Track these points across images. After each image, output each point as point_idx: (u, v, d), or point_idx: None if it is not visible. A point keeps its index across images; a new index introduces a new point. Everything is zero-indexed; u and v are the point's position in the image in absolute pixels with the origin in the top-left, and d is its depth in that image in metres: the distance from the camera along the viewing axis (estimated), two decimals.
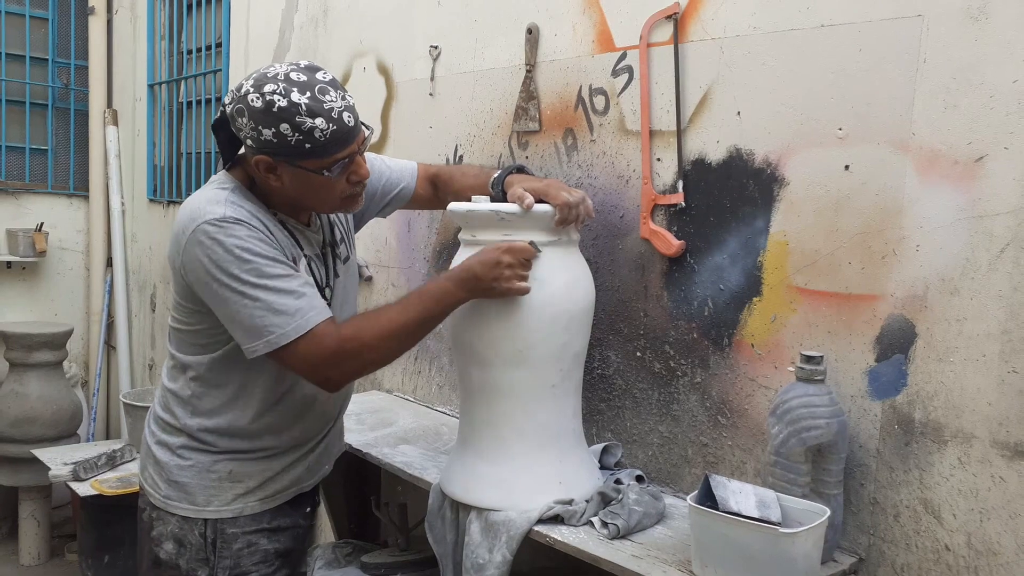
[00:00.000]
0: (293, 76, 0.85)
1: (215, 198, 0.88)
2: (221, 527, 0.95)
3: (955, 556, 0.85)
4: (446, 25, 1.43)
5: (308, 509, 1.07)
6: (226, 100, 0.89)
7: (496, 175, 1.05)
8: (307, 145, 0.85)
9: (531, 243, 0.94)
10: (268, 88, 0.84)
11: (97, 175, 2.76)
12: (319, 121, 0.84)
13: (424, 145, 1.48)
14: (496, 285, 0.92)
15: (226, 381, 0.94)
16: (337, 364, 0.89)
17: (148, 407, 1.08)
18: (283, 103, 0.83)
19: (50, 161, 2.75)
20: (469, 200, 1.00)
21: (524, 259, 0.94)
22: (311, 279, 0.93)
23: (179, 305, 0.94)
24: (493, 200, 1.00)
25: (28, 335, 2.43)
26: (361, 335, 0.89)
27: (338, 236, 1.03)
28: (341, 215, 1.05)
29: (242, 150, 0.93)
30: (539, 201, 0.96)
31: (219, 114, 0.91)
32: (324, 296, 0.97)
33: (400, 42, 1.53)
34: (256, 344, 0.87)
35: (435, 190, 1.13)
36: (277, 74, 0.85)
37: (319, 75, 0.87)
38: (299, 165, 0.87)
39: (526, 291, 0.94)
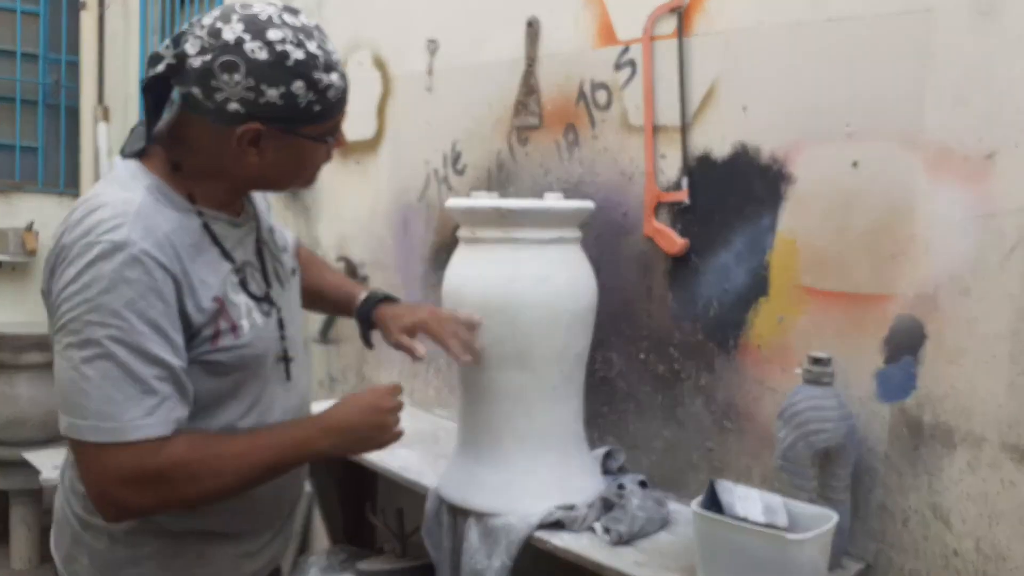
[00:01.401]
0: (290, 20, 0.68)
1: (122, 207, 0.66)
2: None
3: (964, 562, 0.83)
4: (444, 18, 1.41)
5: None
6: (189, 49, 0.66)
7: (364, 297, 0.94)
8: (317, 107, 0.68)
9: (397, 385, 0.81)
10: (274, 35, 0.65)
11: (88, 173, 2.73)
12: (334, 76, 0.69)
13: (421, 141, 1.46)
14: (374, 435, 0.77)
15: None
16: (145, 490, 0.66)
17: None
18: (299, 55, 0.66)
19: (40, 159, 2.71)
20: (319, 294, 0.94)
21: (399, 402, 0.80)
22: (182, 366, 0.67)
23: None
24: (362, 324, 0.94)
25: (18, 336, 2.39)
26: (191, 465, 0.67)
27: (280, 243, 0.83)
28: (276, 223, 0.86)
29: (161, 124, 0.71)
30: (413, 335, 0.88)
31: (162, 68, 0.67)
32: (271, 301, 0.77)
33: (397, 35, 1.51)
34: (63, 418, 0.65)
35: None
36: (272, 16, 0.67)
37: (304, 19, 0.70)
38: (299, 132, 0.70)
39: (400, 435, 0.80)
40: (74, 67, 2.71)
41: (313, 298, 0.96)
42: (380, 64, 1.56)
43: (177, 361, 0.67)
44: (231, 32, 0.66)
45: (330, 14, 1.69)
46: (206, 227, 0.72)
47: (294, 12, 0.70)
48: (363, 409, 0.78)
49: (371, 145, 1.59)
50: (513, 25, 1.27)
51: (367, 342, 0.98)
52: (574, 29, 1.19)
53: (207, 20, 0.67)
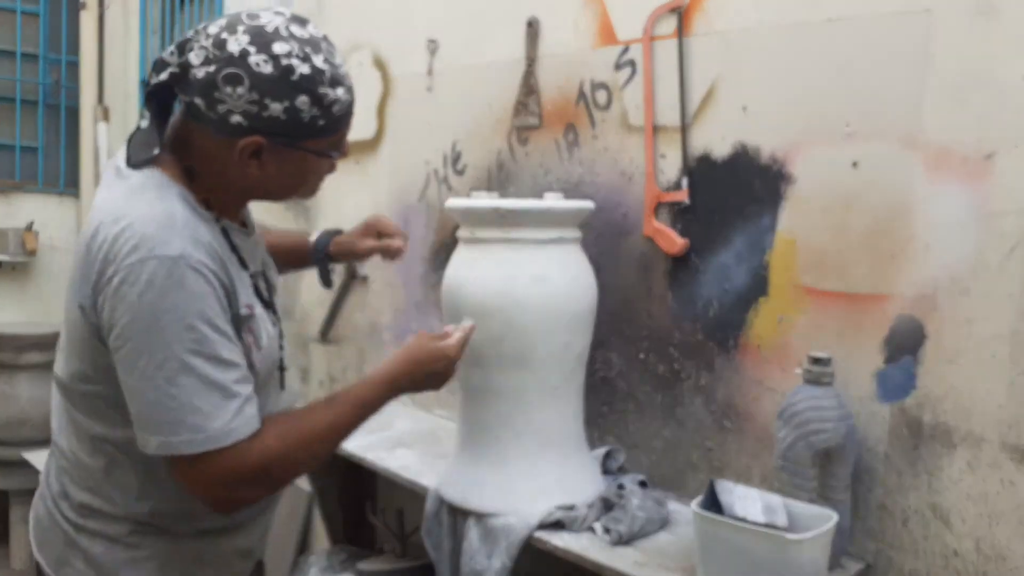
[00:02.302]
0: (297, 31, 0.67)
1: (165, 220, 0.65)
2: None
3: (964, 562, 0.83)
4: (444, 18, 1.41)
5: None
6: (193, 59, 0.66)
7: (317, 236, 0.96)
8: (321, 122, 0.68)
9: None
10: (280, 48, 0.65)
11: (88, 173, 2.73)
12: (340, 91, 0.68)
13: (422, 141, 1.46)
14: (434, 385, 0.82)
15: None
16: (252, 485, 0.68)
17: None
18: (305, 69, 0.65)
19: (40, 159, 2.71)
20: (272, 253, 0.95)
21: (459, 352, 0.82)
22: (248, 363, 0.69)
23: (100, 365, 0.68)
24: (319, 263, 0.97)
25: (18, 336, 2.39)
26: (286, 453, 0.69)
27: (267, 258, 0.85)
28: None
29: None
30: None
31: (165, 75, 0.67)
32: (275, 311, 0.79)
33: (397, 36, 1.51)
34: (150, 439, 0.65)
35: None
36: (278, 28, 0.66)
37: (312, 30, 0.69)
38: (302, 146, 0.69)
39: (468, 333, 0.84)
40: (74, 67, 2.71)
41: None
42: (380, 64, 1.56)
43: (244, 361, 0.69)
44: (236, 44, 0.65)
45: (330, 14, 1.69)
46: (226, 235, 0.72)
47: (302, 22, 0.69)
48: (430, 374, 0.81)
49: (371, 145, 1.59)
50: (513, 25, 1.27)
51: (326, 280, 1.00)
52: (574, 29, 1.19)
53: (213, 29, 0.67)
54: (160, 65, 0.68)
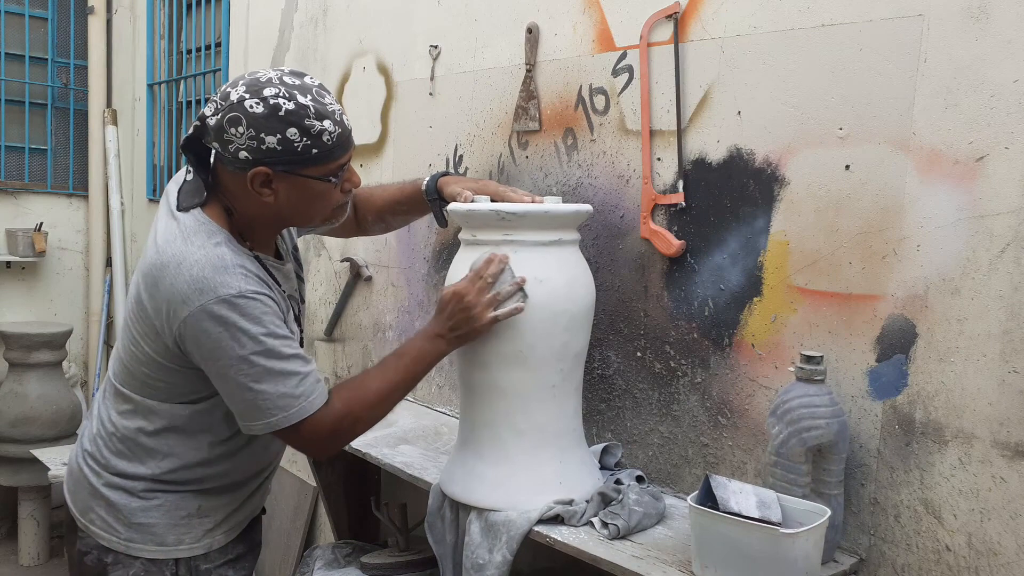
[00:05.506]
0: (288, 80, 0.81)
1: (218, 263, 0.80)
2: (195, 564, 0.92)
3: (956, 556, 0.85)
4: (446, 24, 1.43)
5: (258, 524, 1.05)
6: (207, 112, 0.81)
7: (427, 181, 1.06)
8: (314, 150, 0.81)
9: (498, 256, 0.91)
10: (268, 92, 0.79)
11: (96, 175, 2.76)
12: (327, 123, 0.81)
13: (424, 145, 1.48)
14: (469, 325, 0.92)
15: (207, 426, 0.89)
16: (332, 441, 0.89)
17: None
18: (290, 106, 0.79)
19: (49, 161, 2.75)
20: (393, 206, 1.06)
21: (487, 282, 0.92)
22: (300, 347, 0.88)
23: (157, 363, 0.85)
24: (432, 204, 1.06)
25: (27, 335, 2.42)
26: (353, 410, 0.88)
27: (301, 272, 1.00)
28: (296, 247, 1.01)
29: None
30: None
31: (191, 129, 0.83)
32: (302, 328, 0.95)
33: (400, 42, 1.53)
34: (255, 424, 0.84)
35: (354, 211, 1.08)
36: (271, 78, 0.81)
37: (307, 79, 0.83)
38: (301, 173, 0.82)
39: (513, 312, 0.93)
40: (82, 71, 2.75)
41: (393, 213, 1.11)
42: (383, 70, 1.59)
43: (301, 349, 0.86)
44: (236, 94, 0.80)
45: (334, 22, 1.72)
46: (263, 266, 0.87)
47: (298, 75, 0.83)
48: (440, 312, 0.94)
49: (375, 149, 1.61)
50: (513, 32, 1.29)
51: (440, 220, 1.08)
52: (573, 35, 1.20)
53: (224, 87, 0.82)
54: (196, 119, 0.83)
